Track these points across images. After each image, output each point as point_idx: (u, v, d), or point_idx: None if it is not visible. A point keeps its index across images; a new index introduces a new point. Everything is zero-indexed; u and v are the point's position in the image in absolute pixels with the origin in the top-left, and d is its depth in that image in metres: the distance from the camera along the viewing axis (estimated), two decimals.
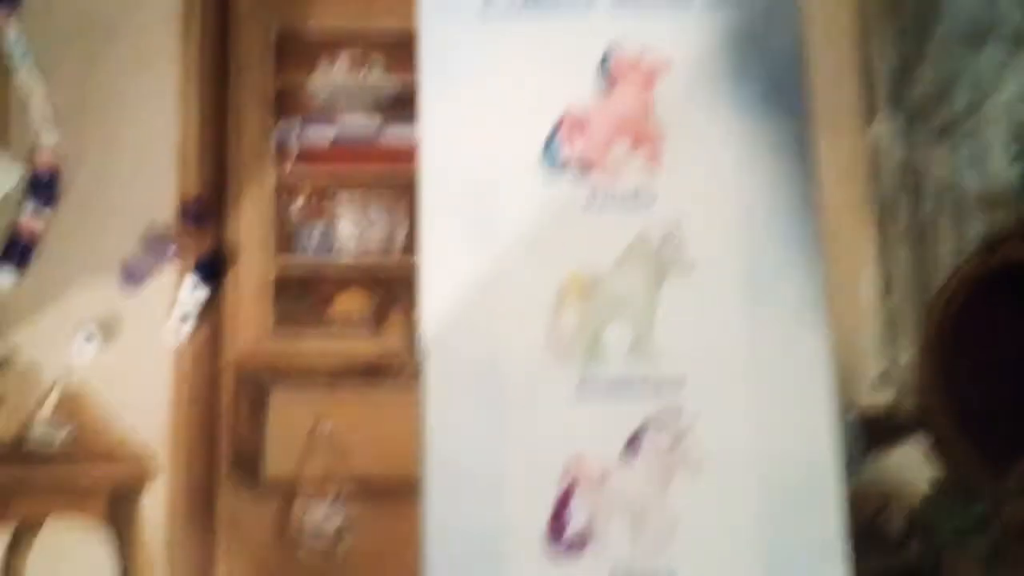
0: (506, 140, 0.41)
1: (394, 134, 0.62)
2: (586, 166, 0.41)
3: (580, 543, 0.39)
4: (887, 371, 0.57)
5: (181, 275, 0.60)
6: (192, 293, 0.60)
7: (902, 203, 0.59)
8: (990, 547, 0.53)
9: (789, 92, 0.41)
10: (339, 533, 0.57)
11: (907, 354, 0.57)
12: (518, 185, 0.41)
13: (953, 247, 0.58)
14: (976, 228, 0.58)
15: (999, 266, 0.56)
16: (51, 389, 0.59)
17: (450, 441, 0.40)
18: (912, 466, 0.55)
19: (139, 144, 0.62)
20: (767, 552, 0.38)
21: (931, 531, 0.54)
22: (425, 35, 0.43)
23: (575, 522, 0.39)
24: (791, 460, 0.38)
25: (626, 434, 0.39)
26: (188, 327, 0.59)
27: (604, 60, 0.41)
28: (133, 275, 0.60)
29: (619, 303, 0.39)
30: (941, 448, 0.55)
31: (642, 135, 0.40)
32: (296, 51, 0.64)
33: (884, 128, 0.59)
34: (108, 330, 0.60)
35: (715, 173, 0.40)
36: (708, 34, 0.41)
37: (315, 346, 0.60)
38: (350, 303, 0.61)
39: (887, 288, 0.58)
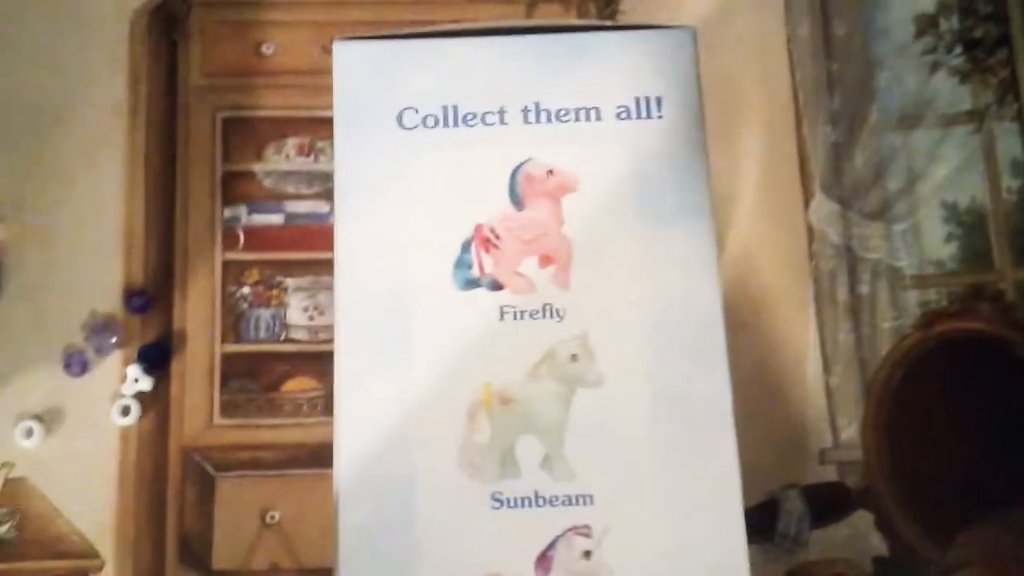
0: (419, 255, 0.43)
1: None
2: (497, 282, 0.43)
3: None
4: (831, 448, 0.59)
5: (125, 363, 0.62)
6: (136, 381, 0.61)
7: (840, 282, 0.62)
8: None
9: (696, 207, 0.43)
10: None
11: (850, 430, 0.60)
12: (431, 300, 0.43)
13: (891, 325, 0.62)
14: (912, 305, 0.62)
15: (936, 341, 0.60)
16: None
17: (364, 559, 0.41)
18: (858, 540, 0.57)
19: (84, 232, 0.64)
20: None
21: None
22: (339, 149, 0.44)
23: None
24: (702, 570, 0.40)
25: (538, 549, 0.40)
26: (133, 415, 0.61)
27: (514, 175, 0.43)
28: (76, 364, 0.62)
29: (531, 417, 0.41)
30: (885, 522, 0.57)
31: (551, 252, 0.43)
32: (243, 137, 0.66)
33: (821, 210, 0.63)
34: (52, 419, 0.61)
35: (623, 288, 0.42)
36: (617, 151, 0.44)
37: (263, 433, 0.62)
38: (299, 388, 0.62)
39: (828, 365, 0.61)
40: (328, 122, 0.66)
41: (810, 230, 0.63)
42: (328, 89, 0.68)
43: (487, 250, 0.43)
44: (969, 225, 0.64)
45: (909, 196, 0.64)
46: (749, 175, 0.63)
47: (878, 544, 0.58)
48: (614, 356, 0.42)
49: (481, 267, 0.43)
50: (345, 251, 0.43)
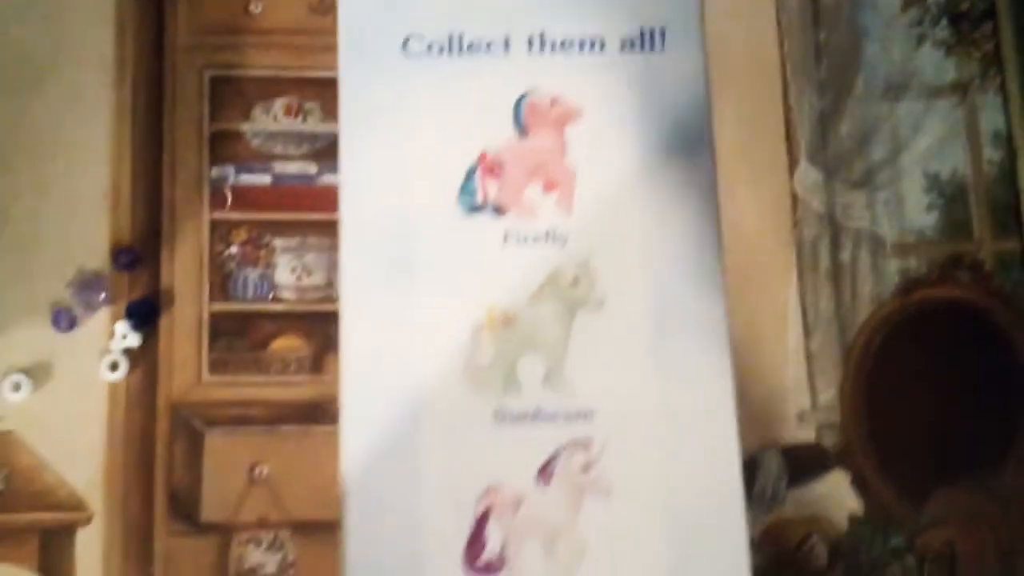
0: (423, 181, 0.44)
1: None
2: (501, 207, 0.45)
3: (494, 567, 0.42)
4: (809, 410, 0.62)
5: (113, 320, 0.63)
6: (124, 337, 0.63)
7: (823, 249, 0.65)
8: None
9: (696, 136, 0.45)
10: (278, 574, 0.60)
11: (828, 393, 0.62)
12: (435, 225, 0.44)
13: (872, 291, 0.64)
14: (892, 273, 0.64)
15: (915, 308, 0.62)
16: None
17: (369, 475, 0.43)
18: (833, 499, 0.60)
19: (70, 188, 0.65)
20: (672, 574, 0.42)
21: (852, 561, 0.59)
22: (344, 76, 0.45)
23: (490, 547, 0.42)
24: (697, 486, 0.42)
25: (539, 461, 0.42)
26: (122, 371, 0.62)
27: (518, 104, 0.45)
28: (64, 319, 0.63)
29: (533, 337, 0.43)
30: (861, 482, 0.60)
31: (554, 179, 0.45)
32: (231, 96, 0.67)
33: (805, 178, 0.65)
34: (39, 375, 0.62)
35: (624, 214, 0.44)
36: (620, 79, 0.45)
37: (251, 390, 0.63)
38: (287, 347, 0.64)
39: (808, 330, 0.63)
40: (317, 83, 0.68)
41: (794, 198, 0.65)
42: (317, 50, 0.69)
43: (491, 176, 0.45)
44: (950, 195, 0.66)
45: (892, 166, 0.66)
46: (735, 142, 0.65)
47: (854, 504, 0.60)
48: (614, 280, 0.44)
49: (485, 193, 0.44)
50: (349, 176, 0.45)
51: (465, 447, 0.42)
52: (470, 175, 0.45)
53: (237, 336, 0.64)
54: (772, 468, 0.60)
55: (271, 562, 0.61)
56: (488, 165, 0.45)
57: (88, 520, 0.61)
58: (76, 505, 0.61)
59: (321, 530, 0.61)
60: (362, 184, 0.45)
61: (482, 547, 0.42)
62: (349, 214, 0.45)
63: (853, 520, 0.60)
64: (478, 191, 0.44)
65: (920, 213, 0.66)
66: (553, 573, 0.42)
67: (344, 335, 0.44)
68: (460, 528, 0.42)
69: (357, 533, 0.43)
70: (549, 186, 0.45)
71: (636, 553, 0.42)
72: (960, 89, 0.68)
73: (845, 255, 0.65)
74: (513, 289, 0.44)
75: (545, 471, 0.42)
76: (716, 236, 0.44)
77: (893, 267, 0.65)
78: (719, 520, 0.42)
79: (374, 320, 0.44)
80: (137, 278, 0.64)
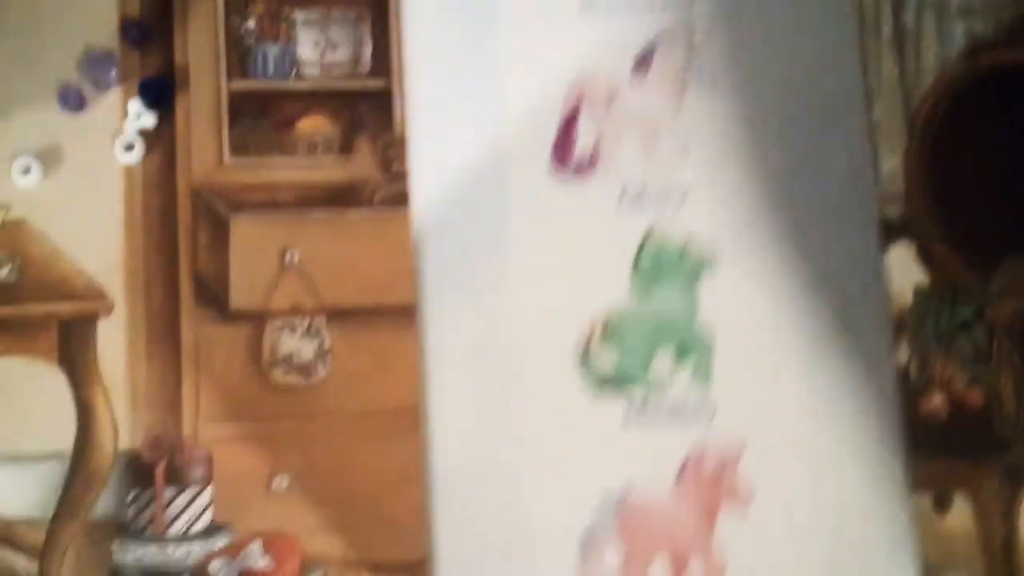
0: None
1: None
2: None
3: (588, 165, 0.40)
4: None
5: (126, 99, 0.61)
6: (139, 117, 0.60)
7: (885, 11, 0.62)
8: (973, 348, 0.57)
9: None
10: (315, 360, 0.59)
11: (891, 162, 0.60)
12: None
13: (936, 56, 0.62)
14: (959, 35, 0.62)
15: (982, 73, 0.60)
16: None
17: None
18: (899, 271, 0.59)
19: None
20: None
21: (917, 334, 0.58)
22: None
23: (582, 144, 0.40)
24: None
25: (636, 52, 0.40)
26: (137, 153, 0.60)
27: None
28: (73, 99, 0.60)
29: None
30: (927, 253, 0.59)
31: None
32: None
33: None
34: (50, 158, 0.60)
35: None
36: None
37: (277, 173, 0.62)
38: (313, 128, 0.62)
39: (871, 98, 0.61)
40: None
41: None
42: None
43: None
44: None
45: None
46: None
47: (919, 276, 0.59)
48: None
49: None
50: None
51: (549, 36, 0.40)
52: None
53: (259, 116, 0.62)
54: None
55: (307, 349, 0.59)
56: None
57: (109, 310, 0.59)
58: (95, 294, 0.59)
59: (358, 316, 0.60)
60: None
61: (573, 143, 0.40)
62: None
63: (919, 292, 0.59)
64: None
65: None
66: (655, 169, 0.40)
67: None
68: (547, 123, 0.40)
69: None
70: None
71: None
72: None
73: (908, 18, 0.62)
74: None
75: (643, 63, 0.40)
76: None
77: (959, 29, 0.62)
78: None
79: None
80: (149, 56, 0.62)
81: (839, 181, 0.41)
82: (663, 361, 0.40)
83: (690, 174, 0.40)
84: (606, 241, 0.40)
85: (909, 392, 0.57)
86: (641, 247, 0.40)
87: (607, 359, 0.40)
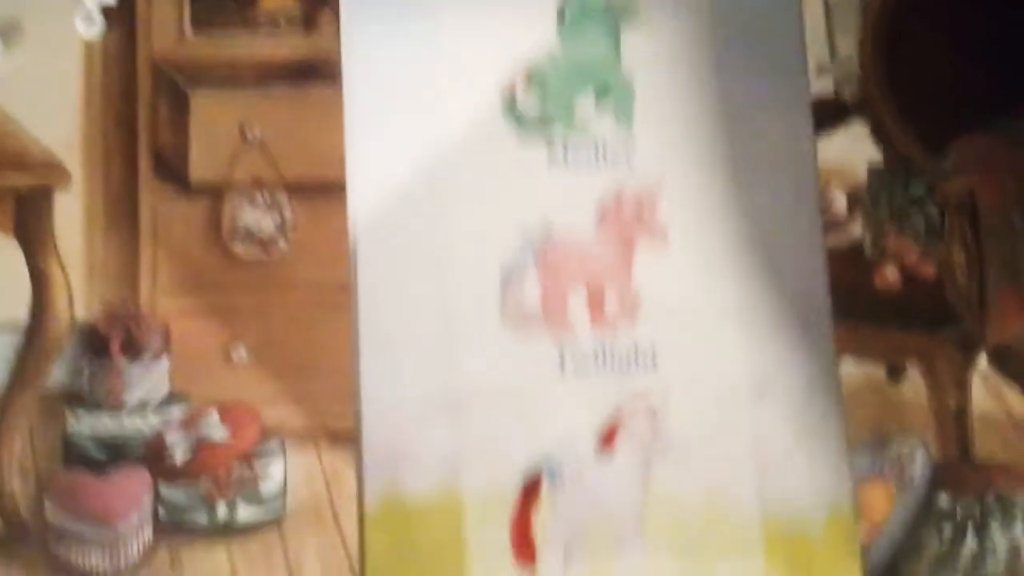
0: None
1: None
2: None
3: None
4: (828, 59, 0.62)
5: None
6: None
7: None
8: (926, 223, 0.59)
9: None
10: (274, 234, 0.60)
11: (848, 43, 0.62)
12: None
13: None
14: None
15: None
16: None
17: None
18: (853, 149, 0.60)
19: None
20: None
21: (872, 210, 0.60)
22: None
23: None
24: None
25: None
26: (96, 27, 0.61)
27: None
28: None
29: None
30: (881, 131, 0.61)
31: None
32: None
33: None
34: (9, 33, 0.60)
35: None
36: None
37: (239, 49, 0.62)
38: (275, 3, 0.63)
39: None
40: None
41: None
42: None
43: None
44: None
45: None
46: None
47: (873, 153, 0.61)
48: None
49: None
50: None
51: None
52: None
53: None
54: None
55: (267, 222, 0.60)
56: None
57: (66, 182, 0.60)
58: (52, 168, 0.60)
59: (319, 192, 0.61)
60: None
61: None
62: None
63: (873, 170, 0.61)
64: None
65: None
66: None
67: None
68: None
69: None
70: None
71: None
72: None
73: None
74: None
75: None
76: None
77: None
78: None
79: None
80: None
81: None
82: (585, 104, 0.42)
83: None
84: None
85: (864, 266, 0.59)
86: None
87: (531, 103, 0.42)
